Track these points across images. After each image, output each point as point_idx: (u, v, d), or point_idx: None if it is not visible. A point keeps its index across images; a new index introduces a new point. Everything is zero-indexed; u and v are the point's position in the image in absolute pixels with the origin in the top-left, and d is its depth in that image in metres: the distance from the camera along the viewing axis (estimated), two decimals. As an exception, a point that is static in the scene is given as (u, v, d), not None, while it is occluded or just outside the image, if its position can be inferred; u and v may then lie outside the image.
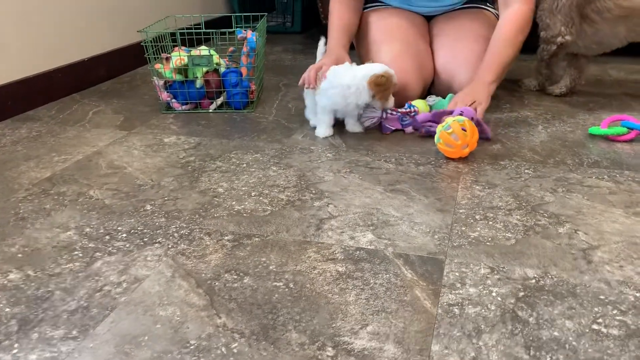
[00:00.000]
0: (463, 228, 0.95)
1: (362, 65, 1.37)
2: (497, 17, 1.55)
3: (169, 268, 0.87)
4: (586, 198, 1.05)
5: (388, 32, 1.59)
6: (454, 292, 0.79)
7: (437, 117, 1.36)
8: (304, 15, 2.82)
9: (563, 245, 0.90)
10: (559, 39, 1.50)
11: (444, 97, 1.50)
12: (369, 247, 0.91)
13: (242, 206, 1.06)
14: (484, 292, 0.78)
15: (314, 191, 1.11)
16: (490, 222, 0.97)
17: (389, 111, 1.39)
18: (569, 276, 0.82)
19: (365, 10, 1.70)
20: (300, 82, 1.41)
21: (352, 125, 1.43)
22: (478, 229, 0.95)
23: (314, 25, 2.98)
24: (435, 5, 1.66)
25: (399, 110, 1.39)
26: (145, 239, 0.95)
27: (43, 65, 1.71)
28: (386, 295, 0.78)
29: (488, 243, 0.91)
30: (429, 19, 1.72)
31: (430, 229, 0.96)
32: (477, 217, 0.99)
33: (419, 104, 1.43)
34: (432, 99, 1.50)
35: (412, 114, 1.38)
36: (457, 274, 0.83)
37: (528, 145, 1.32)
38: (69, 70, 1.79)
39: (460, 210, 1.01)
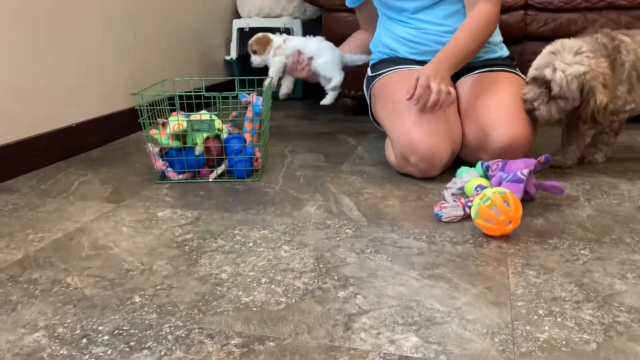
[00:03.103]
0: (527, 327, 0.77)
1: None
2: (524, 79, 1.44)
3: (160, 385, 0.67)
4: (664, 286, 0.88)
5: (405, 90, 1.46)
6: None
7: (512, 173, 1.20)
8: (306, 82, 2.73)
9: (658, 350, 0.71)
10: (627, 107, 1.39)
11: (473, 165, 1.36)
12: (415, 355, 0.72)
13: (251, 297, 0.87)
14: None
15: (336, 277, 0.93)
16: (559, 319, 0.79)
17: (469, 204, 1.16)
18: (681, 397, 0.63)
19: (389, 72, 1.59)
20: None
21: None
22: (546, 328, 0.77)
23: (316, 91, 2.89)
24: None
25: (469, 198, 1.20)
26: (132, 343, 0.76)
27: (25, 131, 1.56)
28: None
29: (564, 348, 0.72)
30: (454, 78, 1.60)
31: (488, 328, 0.77)
32: (541, 312, 0.81)
33: (465, 174, 1.29)
34: (458, 183, 1.30)
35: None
36: (535, 394, 0.64)
37: (575, 220, 1.15)
38: (54, 137, 1.64)
39: (519, 303, 0.83)
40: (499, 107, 1.40)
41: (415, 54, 1.60)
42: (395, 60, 1.62)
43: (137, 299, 0.88)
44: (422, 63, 1.56)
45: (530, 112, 1.38)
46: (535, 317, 0.80)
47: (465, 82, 1.56)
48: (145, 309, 0.85)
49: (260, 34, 1.85)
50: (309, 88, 2.80)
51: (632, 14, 1.87)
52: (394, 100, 1.49)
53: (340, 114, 2.36)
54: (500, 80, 1.49)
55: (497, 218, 1.04)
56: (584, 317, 0.79)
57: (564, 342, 0.74)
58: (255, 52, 1.84)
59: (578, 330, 0.76)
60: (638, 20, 1.87)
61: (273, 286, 0.91)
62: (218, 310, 0.84)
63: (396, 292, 0.88)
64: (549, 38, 1.92)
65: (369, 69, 1.74)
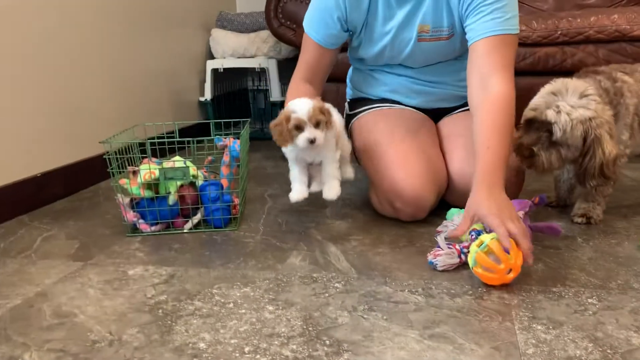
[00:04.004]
0: (546, 396, 0.69)
1: None
2: None
3: None
4: (683, 337, 0.81)
5: (393, 134, 1.40)
6: None
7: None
8: (283, 121, 2.67)
9: (693, 418, 0.64)
10: (628, 150, 1.28)
11: (461, 207, 1.29)
12: None
13: (234, 371, 0.77)
14: None
15: (328, 342, 0.84)
16: (579, 384, 0.71)
17: (464, 250, 1.08)
18: None
19: (367, 112, 1.52)
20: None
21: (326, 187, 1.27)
22: (567, 396, 0.69)
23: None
24: (438, 93, 1.50)
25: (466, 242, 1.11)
26: None
27: (-15, 184, 1.45)
28: None
29: (590, 421, 0.64)
30: (436, 119, 1.54)
31: (502, 399, 0.69)
32: (558, 375, 0.73)
33: (456, 216, 1.20)
34: (450, 226, 1.21)
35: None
36: None
37: (576, 264, 1.09)
38: (16, 189, 1.53)
39: (532, 366, 0.76)
40: None
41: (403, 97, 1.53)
42: (373, 99, 1.56)
43: (103, 378, 0.77)
44: (404, 104, 1.51)
45: (527, 159, 1.23)
46: (553, 383, 0.72)
47: (448, 121, 1.51)
48: (113, 391, 0.74)
49: (317, 102, 1.21)
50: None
51: (609, 47, 1.87)
52: (372, 142, 1.42)
53: (320, 154, 2.30)
54: None
55: (497, 267, 0.96)
56: (606, 381, 0.72)
57: (589, 413, 0.66)
58: (318, 125, 1.19)
59: (602, 397, 0.68)
60: (616, 53, 1.86)
61: (258, 356, 0.81)
62: (197, 389, 0.74)
63: (396, 357, 0.79)
64: (527, 73, 1.92)
65: (347, 105, 1.66)
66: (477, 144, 1.16)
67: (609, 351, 0.78)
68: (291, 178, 1.29)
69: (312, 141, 1.17)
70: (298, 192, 1.27)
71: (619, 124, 1.25)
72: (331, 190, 1.26)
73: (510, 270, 0.97)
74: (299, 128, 1.17)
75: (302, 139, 1.17)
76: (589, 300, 0.94)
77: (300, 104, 1.18)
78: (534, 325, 0.86)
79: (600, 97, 1.19)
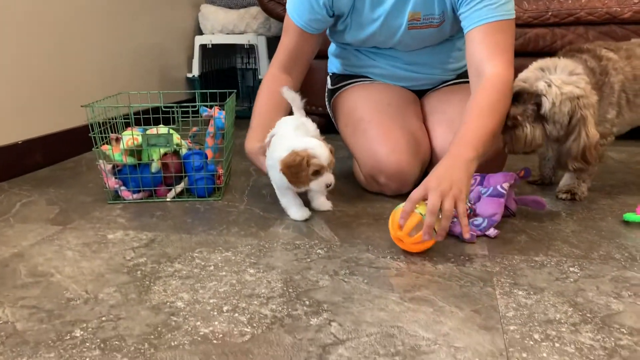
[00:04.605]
0: (524, 355, 0.69)
1: (294, 137, 1.16)
2: None
3: None
4: (662, 304, 0.81)
5: (376, 109, 1.39)
6: None
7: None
8: (271, 99, 2.64)
9: (669, 377, 0.64)
10: (615, 129, 1.27)
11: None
12: (401, 391, 0.62)
13: (211, 328, 0.76)
14: None
15: (307, 302, 0.83)
16: (557, 344, 0.71)
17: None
18: None
19: (350, 86, 1.51)
20: None
21: (317, 202, 1.26)
22: (545, 355, 0.69)
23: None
24: (424, 79, 1.49)
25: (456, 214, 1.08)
26: (67, 387, 0.64)
27: (-36, 148, 1.42)
28: None
29: (567, 378, 0.64)
30: (419, 94, 1.53)
31: (480, 357, 0.68)
32: (536, 336, 0.73)
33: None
34: None
35: (469, 211, 1.11)
36: None
37: (559, 236, 1.09)
38: (-4, 154, 1.50)
39: (511, 327, 0.75)
40: None
41: (390, 77, 1.51)
42: (357, 74, 1.54)
43: (77, 332, 0.76)
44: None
45: (509, 130, 1.19)
46: (531, 343, 0.71)
47: (432, 97, 1.50)
48: (87, 344, 0.73)
49: (324, 142, 1.16)
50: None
51: (600, 29, 1.86)
52: (355, 118, 1.40)
53: (308, 132, 2.28)
54: (466, 92, 1.42)
55: (391, 228, 1.01)
56: (584, 342, 0.71)
57: (566, 371, 0.65)
58: (318, 173, 1.13)
59: (580, 357, 0.68)
60: (606, 35, 1.86)
61: (236, 314, 0.80)
62: (172, 343, 0.73)
63: (375, 317, 0.78)
64: (517, 54, 1.90)
65: (328, 80, 1.62)
66: (464, 118, 1.14)
67: (588, 315, 0.78)
68: (284, 205, 1.22)
69: (328, 185, 1.15)
70: (302, 211, 1.21)
71: (603, 103, 1.24)
72: (325, 203, 1.27)
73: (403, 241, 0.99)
74: (318, 173, 1.13)
75: (320, 183, 1.13)
76: (571, 269, 0.93)
77: (319, 148, 1.12)
78: (515, 291, 0.86)
79: (587, 77, 1.18)
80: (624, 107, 1.26)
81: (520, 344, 0.71)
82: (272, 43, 2.55)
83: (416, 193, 0.99)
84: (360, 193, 1.39)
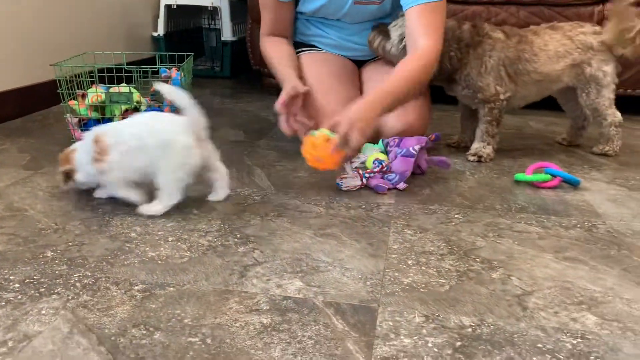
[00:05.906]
0: (396, 274, 0.90)
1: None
2: None
3: (66, 323, 0.75)
4: (517, 243, 1.03)
5: (321, 82, 1.57)
6: (387, 343, 0.72)
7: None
8: (234, 61, 2.79)
9: (497, 291, 0.86)
10: (502, 96, 1.49)
11: (375, 143, 1.48)
12: (297, 295, 0.83)
13: (157, 252, 0.96)
14: (419, 343, 0.73)
15: (239, 236, 1.03)
16: (423, 268, 0.93)
17: (366, 175, 1.29)
18: (505, 324, 0.78)
19: (300, 54, 1.68)
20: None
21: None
22: (411, 274, 0.90)
23: (244, 71, 2.95)
24: (366, 50, 1.67)
25: (374, 170, 1.30)
26: (42, 290, 0.83)
27: (-60, 99, 1.55)
28: (315, 349, 0.71)
29: (422, 290, 0.86)
30: (359, 64, 1.72)
31: (362, 275, 0.90)
32: (410, 262, 0.95)
33: (368, 150, 1.40)
34: (361, 158, 1.40)
35: (385, 168, 1.31)
36: (390, 323, 0.77)
37: (457, 190, 1.31)
38: (-30, 105, 1.64)
39: (393, 255, 0.97)
40: None
41: (334, 47, 1.69)
42: (306, 43, 1.72)
43: (49, 253, 0.94)
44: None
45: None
46: (404, 266, 0.93)
47: (370, 68, 1.69)
48: (57, 261, 0.92)
49: None
50: (236, 67, 2.86)
51: (530, 10, 2.06)
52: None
53: (265, 94, 2.45)
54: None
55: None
56: (444, 266, 0.94)
57: (423, 285, 0.87)
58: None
59: (437, 276, 0.90)
60: (535, 15, 2.06)
61: (179, 243, 1.00)
62: (125, 262, 0.92)
63: (290, 247, 0.99)
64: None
65: None
66: (389, 79, 1.35)
67: (455, 249, 1.00)
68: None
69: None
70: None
71: (471, 67, 1.48)
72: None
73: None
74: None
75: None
76: (456, 216, 1.16)
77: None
78: (405, 230, 1.07)
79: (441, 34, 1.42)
80: (505, 79, 1.49)
81: (396, 267, 0.93)
82: (235, 6, 2.68)
83: (333, 120, 1.24)
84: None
